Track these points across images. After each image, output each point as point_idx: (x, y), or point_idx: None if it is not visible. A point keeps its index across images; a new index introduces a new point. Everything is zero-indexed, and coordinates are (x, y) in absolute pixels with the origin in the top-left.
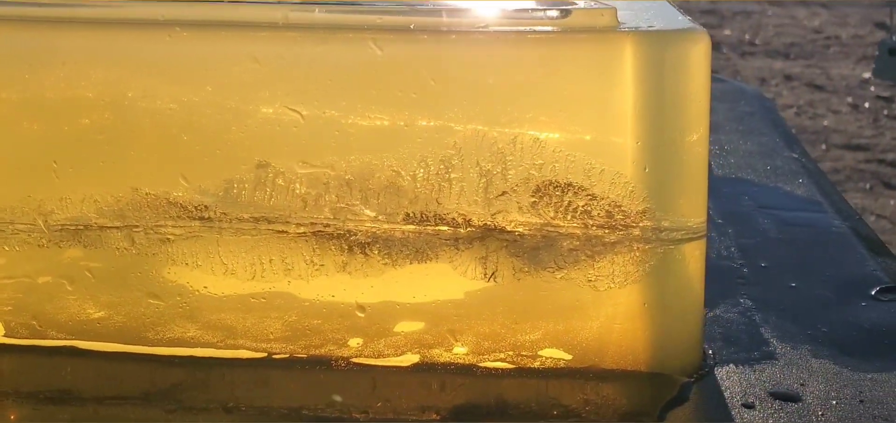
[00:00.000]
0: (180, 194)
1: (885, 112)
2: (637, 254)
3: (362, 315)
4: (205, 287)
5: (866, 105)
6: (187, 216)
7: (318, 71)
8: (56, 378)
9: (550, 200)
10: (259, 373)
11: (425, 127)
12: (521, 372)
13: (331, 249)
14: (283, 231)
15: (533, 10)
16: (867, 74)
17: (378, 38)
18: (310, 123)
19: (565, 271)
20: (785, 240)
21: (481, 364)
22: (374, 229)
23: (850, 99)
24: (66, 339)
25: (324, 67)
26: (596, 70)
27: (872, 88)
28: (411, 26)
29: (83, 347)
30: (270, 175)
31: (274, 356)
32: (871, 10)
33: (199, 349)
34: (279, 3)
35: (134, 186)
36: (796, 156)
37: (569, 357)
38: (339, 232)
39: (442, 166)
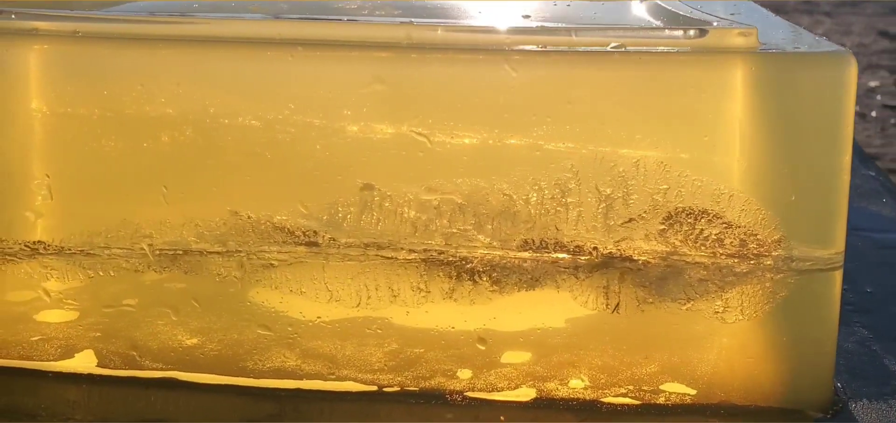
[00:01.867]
0: (285, 219)
1: (893, 121)
2: (769, 285)
3: (472, 345)
4: (308, 315)
5: (873, 114)
6: (293, 242)
7: (441, 92)
8: (152, 410)
9: (681, 227)
10: (365, 406)
11: (543, 149)
12: (648, 409)
13: (438, 275)
14: (392, 257)
15: (667, 29)
16: (874, 83)
17: (511, 58)
18: (428, 146)
19: (692, 302)
20: (885, 263)
21: (603, 399)
22: (487, 256)
23: (856, 108)
24: (162, 370)
25: (447, 89)
26: (734, 92)
27: (878, 97)
28: (543, 46)
29: (182, 378)
30: (379, 199)
31: (383, 389)
32: (874, 19)
33: (301, 381)
34: (402, 22)
35: (234, 210)
36: (874, 174)
37: (693, 392)
38: (449, 259)
39: (558, 190)
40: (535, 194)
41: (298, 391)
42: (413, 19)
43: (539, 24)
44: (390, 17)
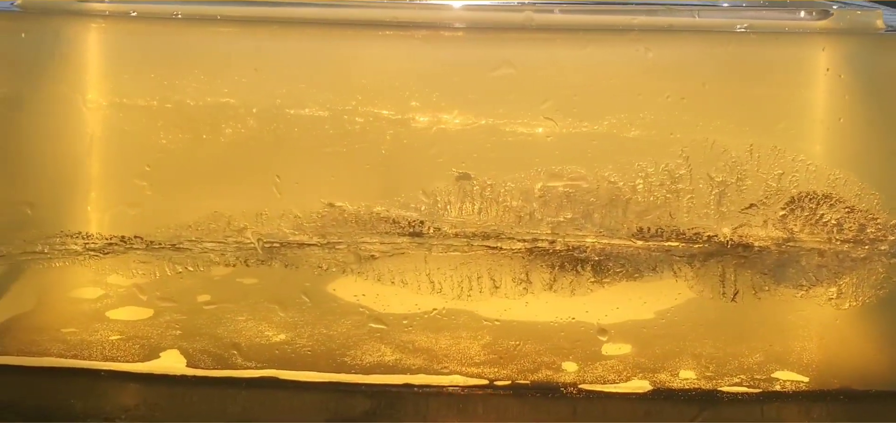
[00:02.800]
0: (387, 209)
1: None
2: (884, 269)
3: (575, 338)
4: (409, 307)
5: None
6: (396, 232)
7: (568, 76)
8: (245, 411)
9: (802, 213)
10: (469, 400)
11: (652, 135)
12: (765, 398)
13: (540, 266)
14: (496, 248)
15: (787, 7)
16: None
17: (643, 39)
18: (554, 131)
19: (808, 289)
20: None
21: (720, 389)
22: (596, 245)
23: None
24: (256, 368)
25: (574, 72)
26: (855, 74)
27: None
28: (669, 26)
29: (278, 376)
30: (484, 189)
31: (494, 382)
32: None
33: (401, 375)
34: (521, 5)
35: (330, 202)
36: None
37: (807, 379)
38: (556, 249)
39: (667, 177)
40: (643, 181)
41: (399, 385)
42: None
43: (659, 4)
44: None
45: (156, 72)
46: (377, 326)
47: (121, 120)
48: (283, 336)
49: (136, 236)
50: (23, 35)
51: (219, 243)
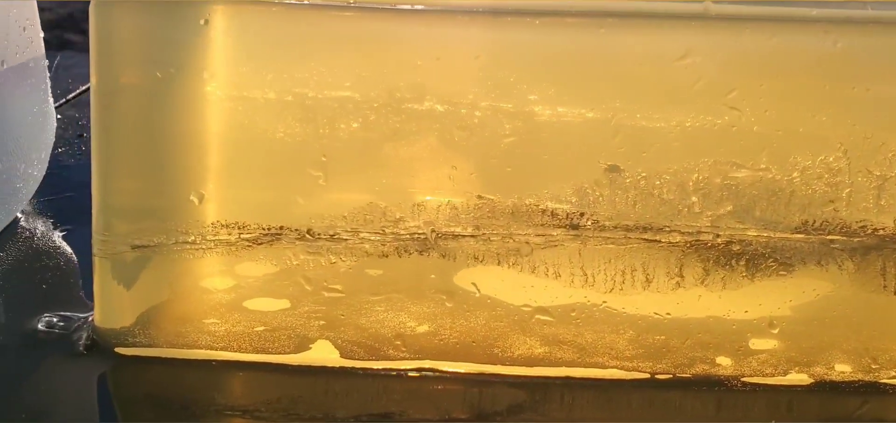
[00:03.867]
0: (544, 202)
1: None
2: None
3: (727, 332)
4: (561, 300)
5: None
6: (553, 224)
7: (746, 65)
8: (395, 402)
9: None
10: (624, 392)
11: (816, 130)
12: None
13: (694, 260)
14: (653, 240)
15: None
16: None
17: (830, 29)
18: (737, 121)
19: None
20: None
21: (882, 381)
22: (755, 238)
23: None
24: (408, 359)
25: (751, 62)
26: None
27: None
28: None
29: (431, 367)
30: (644, 179)
31: (656, 376)
32: None
33: (556, 368)
34: None
35: (480, 194)
36: None
37: None
38: (714, 243)
39: (827, 171)
40: (803, 175)
41: (557, 378)
42: None
43: None
44: None
45: (333, 62)
46: (541, 318)
47: (288, 110)
48: (430, 327)
49: (290, 227)
50: (202, 22)
51: (377, 232)
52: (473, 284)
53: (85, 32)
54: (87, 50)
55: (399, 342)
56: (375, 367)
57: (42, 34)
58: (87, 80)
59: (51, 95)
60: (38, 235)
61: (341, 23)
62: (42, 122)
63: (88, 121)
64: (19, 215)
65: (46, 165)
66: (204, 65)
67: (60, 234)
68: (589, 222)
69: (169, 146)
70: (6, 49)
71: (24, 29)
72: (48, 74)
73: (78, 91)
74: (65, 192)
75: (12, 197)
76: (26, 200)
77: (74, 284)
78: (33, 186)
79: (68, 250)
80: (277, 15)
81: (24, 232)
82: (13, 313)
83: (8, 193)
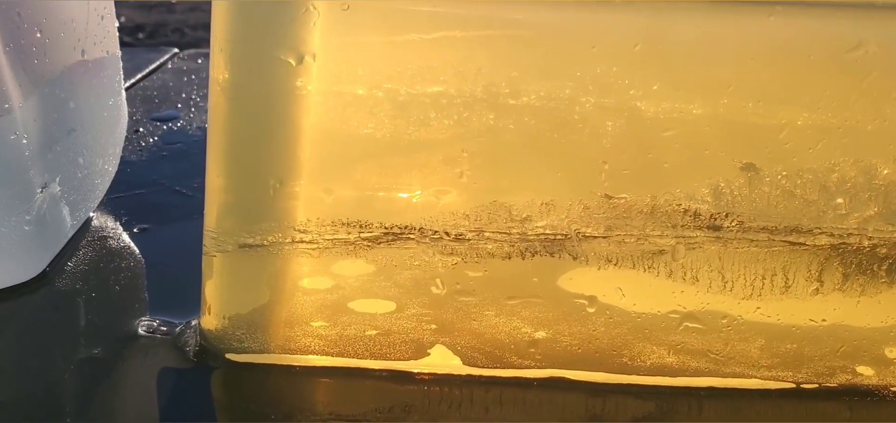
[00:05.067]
0: (682, 201)
1: None
2: None
3: (865, 340)
4: (698, 305)
5: None
6: (694, 225)
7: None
8: (521, 412)
9: None
10: (763, 402)
11: None
12: None
13: (835, 264)
14: (799, 243)
15: None
16: None
17: None
18: (856, 121)
19: None
20: None
21: None
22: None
23: None
24: (539, 368)
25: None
26: None
27: None
28: None
29: (563, 377)
30: (785, 179)
31: (801, 385)
32: None
33: (690, 378)
34: None
35: (606, 194)
36: None
37: None
38: (859, 246)
39: None
40: None
41: (699, 388)
42: None
43: None
44: None
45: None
46: (689, 325)
47: (423, 107)
48: (553, 335)
49: (415, 226)
50: (320, 21)
51: (502, 232)
52: (618, 288)
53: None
54: (127, 45)
55: (532, 349)
56: (502, 375)
57: (117, 24)
58: (132, 74)
59: (123, 88)
60: (113, 234)
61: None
62: (116, 115)
63: (141, 116)
64: (92, 214)
65: (119, 159)
66: (324, 64)
67: (135, 232)
68: (733, 223)
69: (290, 142)
70: (86, 39)
71: (102, 18)
72: (121, 66)
73: (128, 84)
74: (132, 189)
75: (91, 193)
76: (101, 196)
77: (157, 285)
78: (108, 181)
79: (145, 250)
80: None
81: (98, 231)
82: (105, 317)
83: (88, 190)
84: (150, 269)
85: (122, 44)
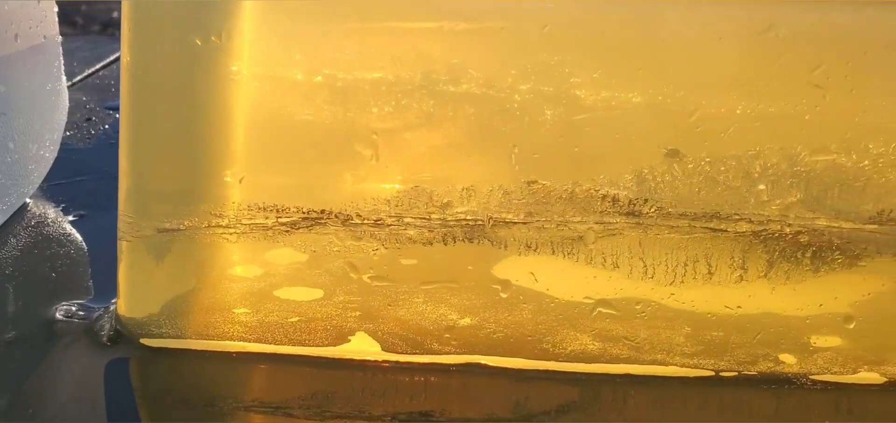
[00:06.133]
0: (603, 187)
1: None
2: None
3: (789, 328)
4: (618, 293)
5: None
6: (613, 211)
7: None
8: (438, 397)
9: None
10: (683, 390)
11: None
12: None
13: (759, 252)
14: (720, 230)
15: None
16: None
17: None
18: (822, 100)
19: None
20: None
21: None
22: (827, 229)
23: None
24: (456, 354)
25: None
26: None
27: None
28: None
29: (481, 362)
30: (709, 167)
31: (720, 373)
32: None
33: (607, 365)
34: None
35: (530, 179)
36: None
37: None
38: (782, 233)
39: None
40: (883, 162)
41: (615, 375)
42: None
43: None
44: None
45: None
46: (603, 311)
47: (322, 95)
48: (478, 320)
49: (333, 211)
50: (239, 3)
51: (422, 218)
52: (530, 273)
53: (88, 17)
54: (91, 33)
55: (447, 336)
56: (419, 361)
57: (56, 9)
58: (92, 63)
59: (64, 73)
60: (49, 220)
61: None
62: (54, 101)
63: (96, 104)
64: (28, 200)
65: (58, 146)
66: (241, 46)
67: (71, 219)
68: (653, 209)
69: (202, 127)
70: (21, 21)
71: (38, 1)
72: (61, 51)
73: (85, 74)
74: (75, 176)
75: (24, 179)
76: (38, 183)
77: (86, 271)
78: (45, 168)
79: (80, 236)
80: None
81: (33, 217)
82: (27, 301)
83: (20, 175)
84: (83, 255)
85: (87, 34)
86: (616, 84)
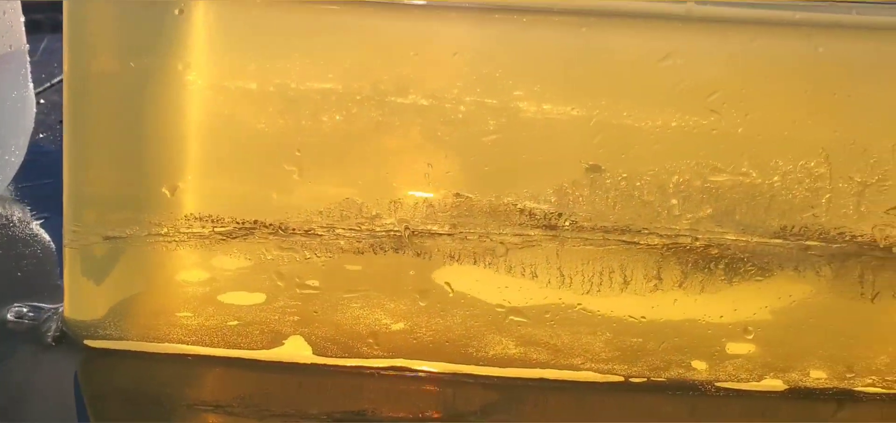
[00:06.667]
0: (523, 201)
1: None
2: None
3: (704, 336)
4: (537, 300)
5: None
6: (531, 224)
7: (728, 70)
8: (367, 400)
9: None
10: (599, 395)
11: (795, 133)
12: None
13: (673, 263)
14: (632, 242)
15: None
16: None
17: (813, 33)
18: (716, 124)
19: None
20: None
21: (857, 389)
22: (733, 242)
23: None
24: (384, 358)
25: (733, 66)
26: None
27: None
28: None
29: (406, 366)
30: (625, 182)
31: (630, 379)
32: None
33: (532, 369)
34: None
35: (457, 192)
36: None
37: None
38: (692, 246)
39: (808, 177)
40: (783, 179)
41: (532, 379)
42: None
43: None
44: None
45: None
46: (508, 318)
47: (268, 102)
48: (405, 325)
49: (266, 222)
50: (177, 11)
51: (353, 229)
52: (447, 283)
53: None
54: None
55: (372, 340)
56: (349, 364)
57: (22, 19)
58: None
59: (31, 80)
60: (15, 222)
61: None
62: (21, 108)
63: None
64: None
65: (25, 151)
66: (179, 54)
67: (38, 222)
68: (567, 223)
69: (141, 136)
70: None
71: (4, 13)
72: (28, 60)
73: (61, 77)
74: (44, 179)
75: None
76: (2, 187)
77: (51, 273)
78: (10, 172)
79: (46, 238)
80: (258, 5)
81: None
82: None
83: None
84: (49, 257)
85: None
86: (542, 100)
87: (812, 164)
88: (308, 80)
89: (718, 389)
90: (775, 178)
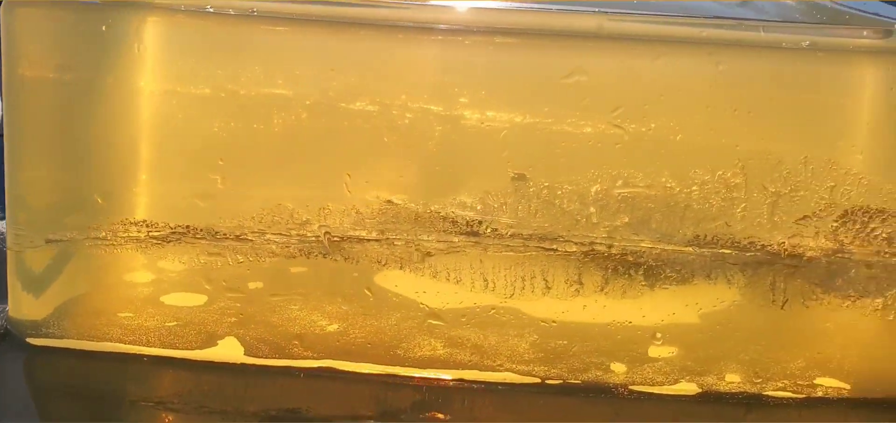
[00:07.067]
0: (447, 208)
1: None
2: None
3: (623, 340)
4: (464, 303)
5: None
6: (454, 231)
7: (634, 84)
8: (297, 399)
9: (853, 225)
10: (521, 397)
11: (710, 144)
12: (808, 403)
13: (593, 269)
14: (551, 249)
15: (851, 26)
16: None
17: (715, 52)
18: (621, 138)
19: (855, 300)
20: None
21: (767, 393)
22: (650, 250)
23: None
24: (313, 359)
25: (641, 80)
26: None
27: None
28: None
29: (334, 367)
30: (546, 190)
31: (546, 381)
32: None
33: (453, 370)
34: (595, 11)
35: (388, 199)
36: None
37: (848, 386)
38: (610, 253)
39: (724, 187)
40: (700, 189)
41: (451, 380)
42: (597, 9)
43: (726, 18)
44: (570, 7)
45: (222, 63)
46: (433, 321)
47: (191, 110)
48: (337, 327)
49: (198, 227)
50: (104, 27)
51: (282, 235)
52: (372, 288)
53: None
54: None
55: (296, 342)
56: (280, 364)
57: None
58: None
59: None
60: None
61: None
62: None
63: None
64: None
65: None
66: (108, 65)
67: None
68: (488, 230)
69: (76, 143)
70: None
71: None
72: None
73: None
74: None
75: None
76: None
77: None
78: None
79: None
80: (187, 19)
81: None
82: None
83: None
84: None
85: None
86: (491, 107)
87: (729, 175)
88: (256, 85)
89: (632, 392)
90: (694, 187)
